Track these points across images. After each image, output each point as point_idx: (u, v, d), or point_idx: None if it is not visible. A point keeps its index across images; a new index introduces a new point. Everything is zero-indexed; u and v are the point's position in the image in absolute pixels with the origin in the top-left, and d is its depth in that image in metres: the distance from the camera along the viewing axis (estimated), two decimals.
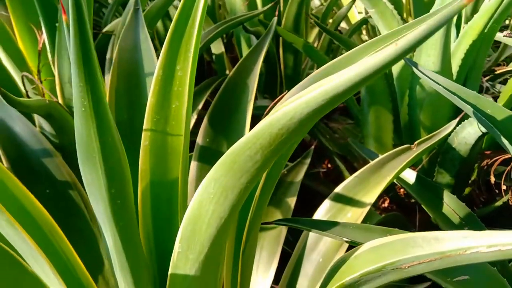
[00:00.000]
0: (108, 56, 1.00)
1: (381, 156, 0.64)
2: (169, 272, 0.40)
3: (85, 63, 0.34)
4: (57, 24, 0.75)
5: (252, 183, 0.32)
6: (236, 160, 0.30)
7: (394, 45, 0.24)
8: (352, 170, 1.05)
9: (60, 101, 0.79)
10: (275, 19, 0.76)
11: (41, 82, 0.82)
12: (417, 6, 1.03)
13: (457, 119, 0.68)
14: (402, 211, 0.95)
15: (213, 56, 1.29)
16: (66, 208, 0.66)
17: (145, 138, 0.50)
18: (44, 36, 0.80)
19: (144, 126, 0.49)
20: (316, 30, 1.54)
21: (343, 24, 1.67)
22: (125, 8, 0.98)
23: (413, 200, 1.00)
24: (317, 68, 1.21)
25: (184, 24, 0.48)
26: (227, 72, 1.30)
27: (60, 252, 0.49)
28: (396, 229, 0.45)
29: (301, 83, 0.46)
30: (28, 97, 0.78)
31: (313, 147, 0.83)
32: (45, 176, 0.65)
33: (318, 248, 0.63)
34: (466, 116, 0.72)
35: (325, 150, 1.16)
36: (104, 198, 0.40)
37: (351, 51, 0.44)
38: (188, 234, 0.36)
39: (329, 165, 1.18)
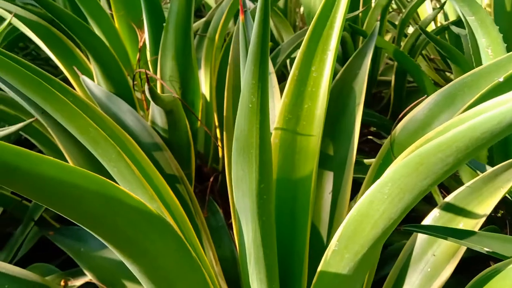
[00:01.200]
0: None
1: (493, 168, 0.63)
2: (319, 269, 0.40)
3: (261, 62, 0.35)
4: (164, 24, 0.77)
5: (432, 186, 0.32)
6: (424, 162, 0.30)
7: None
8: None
9: None
10: (378, 24, 0.76)
11: (140, 79, 0.85)
12: (499, 15, 1.01)
13: None
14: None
15: (288, 60, 1.30)
16: None
17: (275, 136, 0.50)
18: (146, 35, 0.84)
19: (275, 124, 0.50)
20: (389, 35, 1.52)
21: (411, 30, 1.64)
22: (217, 10, 1.00)
23: (499, 215, 0.96)
24: (395, 74, 1.19)
25: (322, 25, 0.48)
26: None
27: (189, 243, 0.51)
28: None
29: (444, 89, 0.46)
30: (134, 89, 0.81)
31: None
32: (156, 168, 0.68)
33: (426, 258, 0.62)
34: None
35: None
36: (253, 192, 0.41)
37: (498, 59, 0.43)
38: (349, 233, 0.36)
39: None
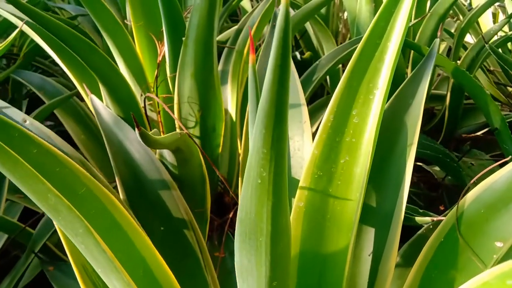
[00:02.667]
0: (219, 68, 0.93)
1: None
2: None
3: (276, 124, 0.24)
4: (183, 38, 0.67)
5: None
6: None
7: None
8: None
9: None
10: (437, 41, 0.62)
11: (157, 96, 0.76)
12: None
13: None
14: None
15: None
16: (179, 249, 0.58)
17: (299, 198, 0.39)
18: (166, 49, 0.74)
19: (301, 183, 0.39)
20: (443, 45, 1.35)
21: (468, 38, 1.47)
22: (249, 18, 0.89)
23: None
24: (451, 91, 1.03)
25: (369, 57, 0.36)
26: None
27: None
28: None
29: None
30: (146, 115, 0.72)
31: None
32: (160, 210, 0.58)
33: None
34: None
35: (455, 189, 0.99)
36: None
37: None
38: None
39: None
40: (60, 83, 1.00)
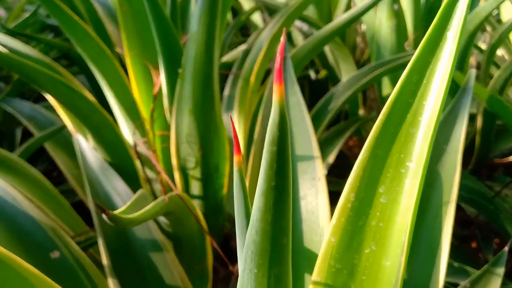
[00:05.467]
0: (226, 93, 0.86)
1: None
2: None
3: (274, 263, 0.15)
4: (179, 70, 0.60)
5: None
6: None
7: None
8: None
9: (174, 162, 0.64)
10: (473, 71, 0.53)
11: (153, 134, 0.68)
12: None
13: None
14: None
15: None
16: None
17: None
18: (162, 79, 0.67)
19: (313, 277, 0.30)
20: (470, 61, 1.25)
21: (499, 51, 1.36)
22: (257, 39, 0.81)
23: None
24: (483, 114, 0.93)
25: (399, 120, 0.27)
26: (360, 112, 1.08)
27: None
28: None
29: None
30: (137, 153, 0.64)
31: (506, 248, 0.57)
32: (151, 277, 0.50)
33: None
34: None
35: (489, 226, 0.89)
36: None
37: None
38: None
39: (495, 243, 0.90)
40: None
